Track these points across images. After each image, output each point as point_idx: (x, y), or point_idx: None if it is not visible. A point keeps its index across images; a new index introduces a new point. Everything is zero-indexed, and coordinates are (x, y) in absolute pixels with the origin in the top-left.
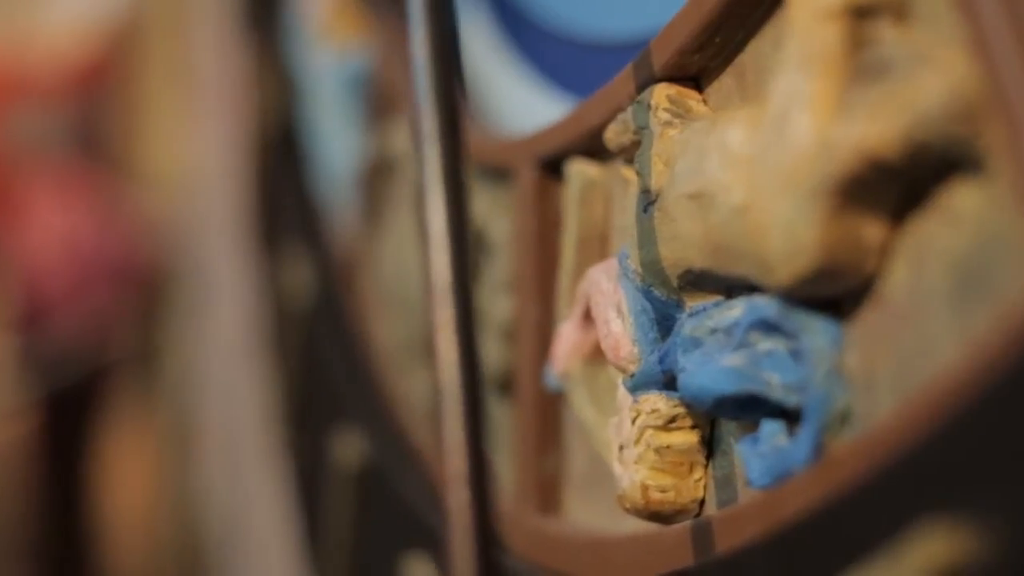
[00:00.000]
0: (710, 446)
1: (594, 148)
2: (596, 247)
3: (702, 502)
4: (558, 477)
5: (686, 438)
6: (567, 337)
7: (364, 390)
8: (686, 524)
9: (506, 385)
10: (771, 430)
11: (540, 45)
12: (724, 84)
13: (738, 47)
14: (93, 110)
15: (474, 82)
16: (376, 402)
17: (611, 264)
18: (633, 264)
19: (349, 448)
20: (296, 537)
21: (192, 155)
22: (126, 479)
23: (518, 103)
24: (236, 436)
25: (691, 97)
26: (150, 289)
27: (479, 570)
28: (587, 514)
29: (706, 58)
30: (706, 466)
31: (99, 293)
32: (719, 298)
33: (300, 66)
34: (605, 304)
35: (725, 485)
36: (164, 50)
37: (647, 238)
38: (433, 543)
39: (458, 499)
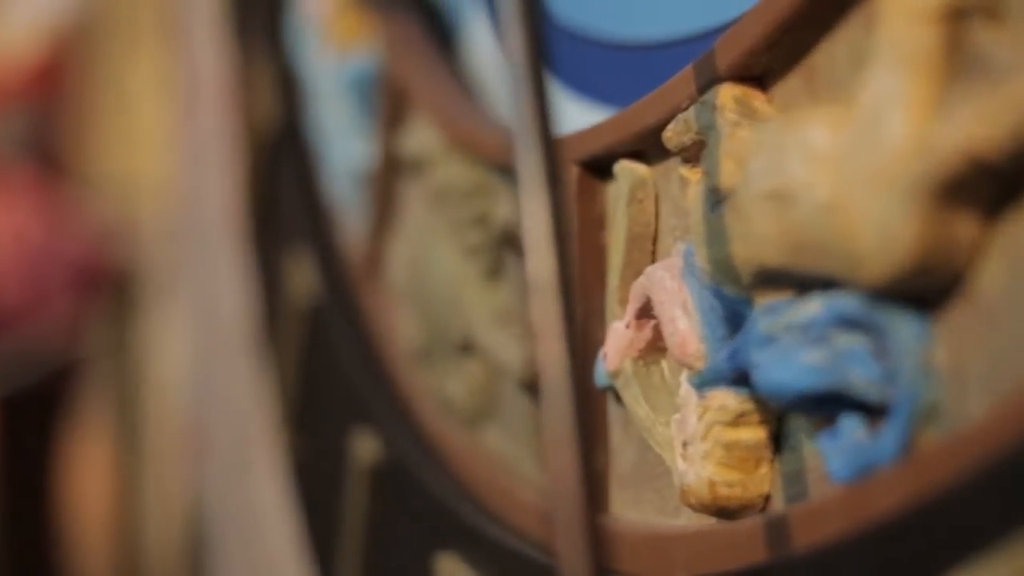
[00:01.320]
0: (777, 441)
1: (643, 148)
2: (646, 246)
3: (767, 497)
4: (605, 474)
5: (754, 434)
6: (620, 335)
7: (381, 389)
8: (759, 518)
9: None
10: (851, 425)
11: (558, 45)
12: (790, 85)
13: (808, 48)
14: (46, 113)
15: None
16: (394, 401)
17: (673, 262)
18: (700, 262)
19: (366, 447)
20: (306, 538)
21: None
22: (87, 480)
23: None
24: (240, 438)
25: (756, 98)
26: (108, 290)
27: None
28: (633, 512)
29: (773, 59)
30: (772, 461)
31: (56, 295)
32: (792, 295)
33: (303, 65)
34: (670, 302)
35: (794, 480)
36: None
37: (716, 236)
38: (466, 540)
39: (567, 497)
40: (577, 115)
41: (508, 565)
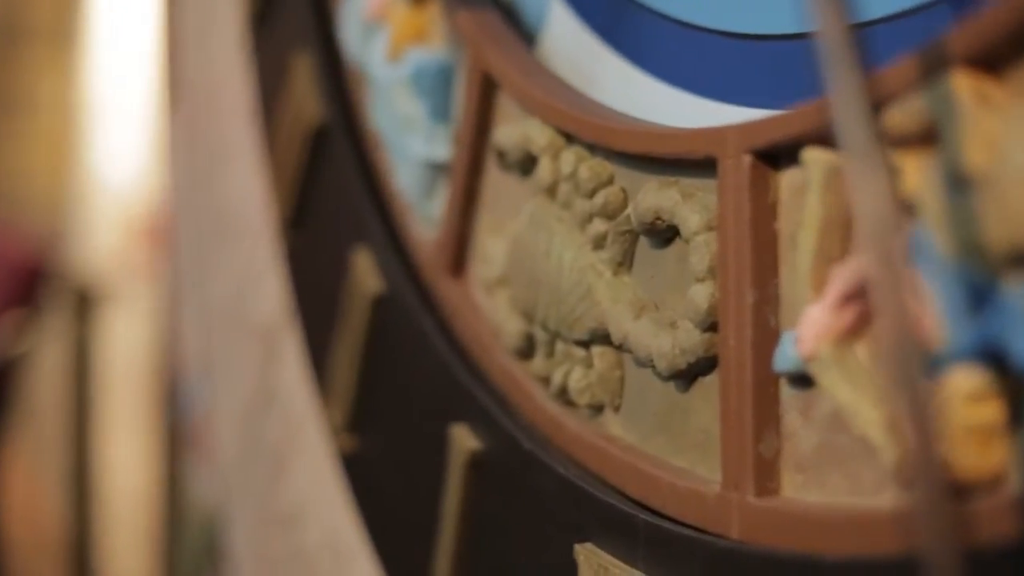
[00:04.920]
0: (1015, 421)
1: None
2: (840, 232)
3: (999, 477)
4: (777, 459)
5: (992, 412)
6: (817, 319)
7: (475, 380)
8: (1005, 496)
9: (703, 371)
10: None
11: (640, 27)
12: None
13: None
14: None
15: (571, 64)
16: (492, 392)
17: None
18: (939, 244)
19: (465, 438)
20: (400, 530)
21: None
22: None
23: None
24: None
25: (989, 84)
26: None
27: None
28: (816, 494)
29: (1012, 47)
30: (1008, 441)
31: None
32: None
33: (362, 58)
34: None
35: None
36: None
37: (961, 218)
38: (608, 529)
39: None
40: (687, 107)
41: (666, 551)
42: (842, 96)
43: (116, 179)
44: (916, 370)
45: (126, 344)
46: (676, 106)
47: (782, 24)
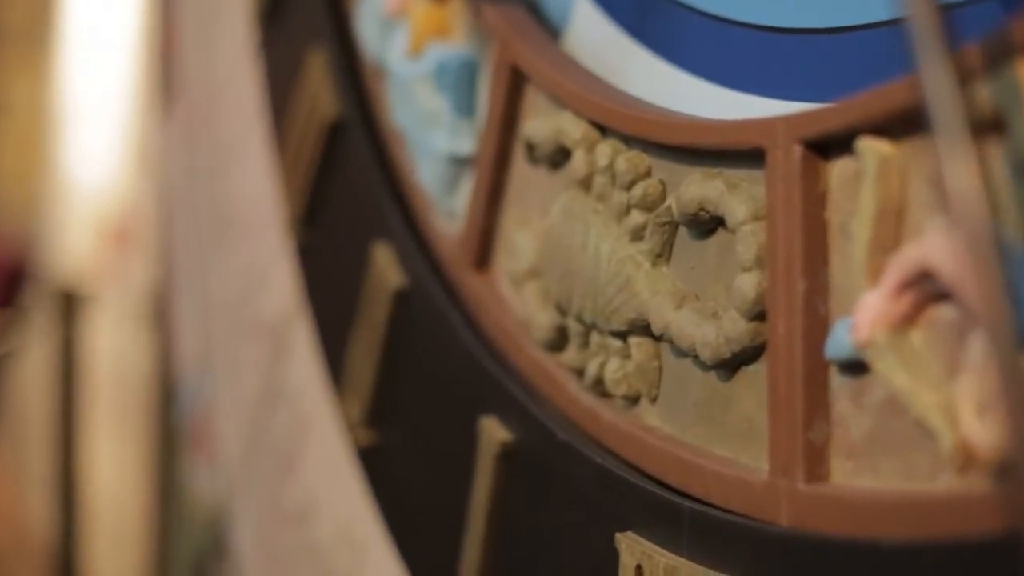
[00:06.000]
0: None
1: (887, 127)
2: (894, 221)
3: None
4: (826, 446)
5: None
6: (873, 306)
7: (503, 371)
8: None
9: (748, 360)
10: None
11: (671, 22)
12: None
13: None
14: None
15: (597, 60)
16: (522, 383)
17: (987, 225)
18: (1010, 227)
19: (496, 430)
20: (426, 521)
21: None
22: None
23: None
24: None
25: None
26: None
27: None
28: (868, 480)
29: None
30: None
31: None
32: None
33: (382, 54)
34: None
35: None
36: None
37: None
38: (652, 518)
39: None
40: (717, 100)
41: (713, 538)
42: (932, 77)
43: (89, 181)
44: (1010, 348)
45: (110, 345)
46: (707, 99)
47: (817, 18)
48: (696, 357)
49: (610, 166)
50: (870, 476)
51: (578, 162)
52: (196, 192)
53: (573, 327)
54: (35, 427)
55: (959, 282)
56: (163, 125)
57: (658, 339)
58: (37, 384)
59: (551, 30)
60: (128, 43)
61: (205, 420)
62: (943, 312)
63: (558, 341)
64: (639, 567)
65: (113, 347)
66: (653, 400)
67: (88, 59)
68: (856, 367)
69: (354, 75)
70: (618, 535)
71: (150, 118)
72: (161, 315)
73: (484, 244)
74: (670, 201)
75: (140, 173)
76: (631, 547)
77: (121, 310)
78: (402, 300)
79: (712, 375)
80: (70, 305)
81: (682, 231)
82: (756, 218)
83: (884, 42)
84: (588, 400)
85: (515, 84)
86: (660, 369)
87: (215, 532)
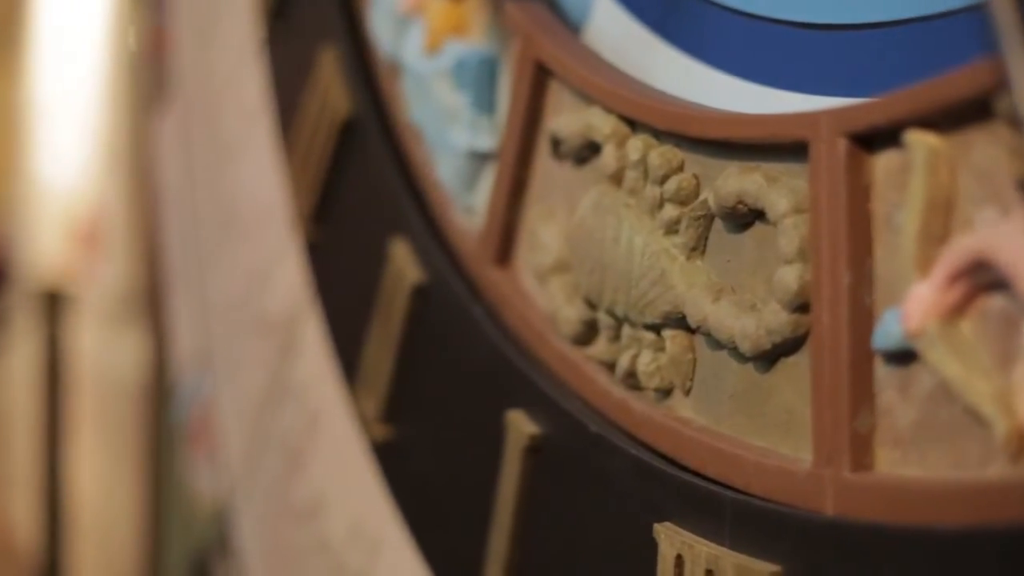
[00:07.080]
0: None
1: (935, 120)
2: (943, 212)
3: None
4: (872, 436)
5: None
6: (924, 297)
7: (529, 365)
8: None
9: (789, 351)
10: None
11: (697, 18)
12: None
13: None
14: None
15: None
16: (549, 377)
17: (1017, 224)
18: None
19: (523, 424)
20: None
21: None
22: None
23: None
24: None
25: None
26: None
27: None
28: (915, 469)
29: None
30: None
31: None
32: None
33: (398, 51)
34: None
35: None
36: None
37: None
38: (689, 509)
39: None
40: (744, 95)
41: (756, 527)
42: (1019, 65)
43: (61, 183)
44: None
45: (92, 346)
46: (733, 94)
47: (850, 14)
48: (734, 349)
49: (642, 160)
50: (917, 464)
51: (608, 157)
52: (194, 191)
53: (603, 320)
54: (18, 429)
55: (1020, 273)
56: (157, 125)
57: (693, 331)
58: (20, 385)
59: (570, 27)
60: (99, 44)
61: (205, 418)
62: (994, 302)
63: (586, 335)
64: (679, 557)
65: (95, 347)
66: (687, 392)
67: (59, 60)
68: (903, 357)
69: (367, 72)
70: (656, 526)
71: (126, 119)
72: (154, 314)
73: (506, 239)
74: (705, 195)
75: (111, 175)
76: (670, 537)
77: (99, 311)
78: (420, 295)
79: (750, 367)
80: (52, 306)
81: (717, 225)
82: (798, 211)
83: (915, 38)
84: (619, 393)
85: (539, 80)
86: (694, 361)
87: (217, 529)
